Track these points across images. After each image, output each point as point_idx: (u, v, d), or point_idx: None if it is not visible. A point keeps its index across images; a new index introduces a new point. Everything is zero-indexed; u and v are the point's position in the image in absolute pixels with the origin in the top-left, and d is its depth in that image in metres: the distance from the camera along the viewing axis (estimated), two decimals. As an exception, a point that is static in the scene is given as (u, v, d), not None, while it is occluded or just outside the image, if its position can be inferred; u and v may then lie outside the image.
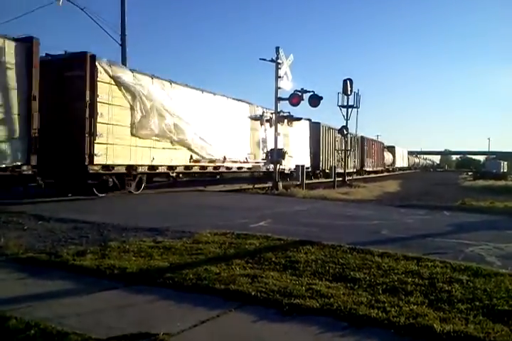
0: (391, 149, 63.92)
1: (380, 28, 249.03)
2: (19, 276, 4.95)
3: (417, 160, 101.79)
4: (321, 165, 31.90)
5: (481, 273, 5.22)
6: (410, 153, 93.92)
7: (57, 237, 7.04)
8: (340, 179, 26.78)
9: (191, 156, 17.66)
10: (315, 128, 30.88)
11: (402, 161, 73.46)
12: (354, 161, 38.25)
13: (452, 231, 8.97)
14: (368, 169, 45.51)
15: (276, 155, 21.33)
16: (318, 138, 31.36)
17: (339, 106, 26.61)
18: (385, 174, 53.38)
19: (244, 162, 22.16)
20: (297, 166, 23.38)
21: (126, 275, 4.91)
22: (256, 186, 21.78)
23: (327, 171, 32.31)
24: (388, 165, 60.36)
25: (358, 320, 3.71)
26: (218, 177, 22.83)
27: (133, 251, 6.04)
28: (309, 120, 29.07)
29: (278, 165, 21.37)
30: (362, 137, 42.98)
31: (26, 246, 6.24)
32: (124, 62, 22.23)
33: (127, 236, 7.21)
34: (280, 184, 20.57)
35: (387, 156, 58.57)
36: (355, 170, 37.46)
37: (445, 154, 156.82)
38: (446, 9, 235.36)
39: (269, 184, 21.38)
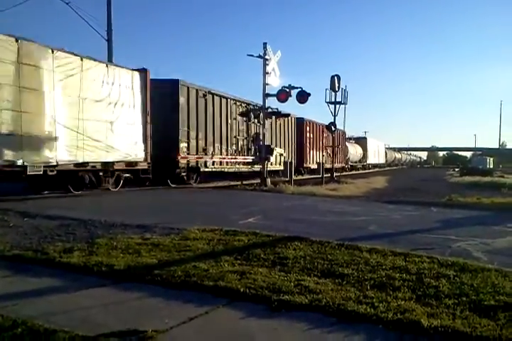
0: (361, 142, 53.16)
1: (370, 25, 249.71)
2: (5, 274, 4.89)
3: (399, 155, 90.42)
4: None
5: (468, 268, 5.28)
6: (392, 148, 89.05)
7: (43, 234, 6.96)
8: (328, 175, 26.85)
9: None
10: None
11: (376, 156, 60.66)
12: (282, 155, 26.39)
13: (439, 227, 9.05)
14: (311, 166, 32.82)
15: (264, 151, 21.34)
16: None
17: (327, 102, 26.58)
18: (347, 173, 39.01)
19: (232, 158, 22.15)
20: (285, 162, 23.40)
21: (114, 272, 4.88)
22: (244, 182, 21.76)
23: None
24: (355, 162, 49.61)
25: (346, 316, 3.72)
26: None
27: (121, 248, 6.00)
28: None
29: (266, 162, 21.38)
30: (301, 120, 31.71)
31: (12, 244, 6.17)
32: (110, 58, 22.02)
33: (115, 232, 7.16)
34: (268, 180, 20.58)
35: (354, 150, 47.50)
36: (281, 168, 24.81)
37: (432, 150, 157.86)
38: (435, 7, 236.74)
39: (258, 180, 21.38)
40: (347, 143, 44.21)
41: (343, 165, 40.88)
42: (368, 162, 55.67)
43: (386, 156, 70.49)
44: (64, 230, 7.34)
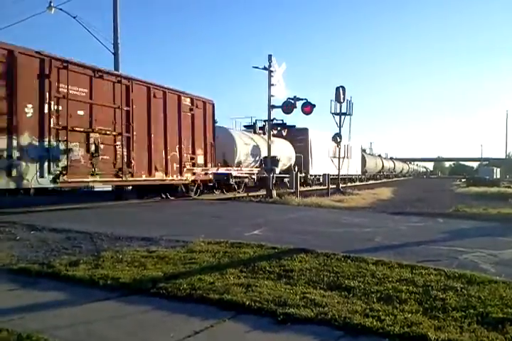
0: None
1: (374, 35, 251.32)
2: (11, 287, 4.90)
3: (388, 164, 68.44)
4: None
5: (475, 280, 5.23)
6: (399, 159, 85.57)
7: (49, 247, 6.98)
8: (334, 186, 26.81)
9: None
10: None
11: (329, 163, 31.68)
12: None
13: (446, 239, 8.99)
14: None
15: (270, 163, 21.37)
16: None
17: (332, 113, 26.69)
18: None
19: (237, 170, 22.19)
20: (291, 174, 23.42)
21: (119, 285, 4.88)
22: (250, 194, 21.76)
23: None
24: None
25: (352, 329, 3.69)
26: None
27: (126, 260, 6.00)
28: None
29: (272, 173, 21.39)
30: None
31: (18, 257, 6.19)
32: (116, 70, 22.21)
33: (121, 245, 7.16)
34: (274, 192, 20.57)
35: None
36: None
37: (438, 161, 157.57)
38: (441, 15, 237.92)
39: (264, 192, 21.38)
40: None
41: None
42: (312, 173, 32.44)
43: (366, 164, 49.36)
44: (70, 243, 7.36)
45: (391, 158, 77.35)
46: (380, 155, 69.30)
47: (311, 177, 32.35)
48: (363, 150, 43.45)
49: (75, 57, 12.83)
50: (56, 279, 5.17)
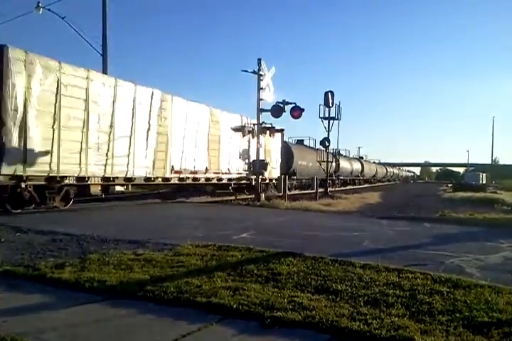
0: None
1: (362, 40, 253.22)
2: (-5, 290, 4.83)
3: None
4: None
5: (461, 284, 5.26)
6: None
7: (35, 250, 6.90)
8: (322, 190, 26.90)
9: (172, 167, 17.71)
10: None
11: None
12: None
13: (432, 243, 9.04)
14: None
15: (258, 166, 21.37)
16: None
17: (321, 117, 26.86)
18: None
19: (226, 173, 22.15)
20: (279, 177, 23.44)
21: (105, 288, 4.83)
22: (238, 197, 21.74)
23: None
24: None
25: (340, 333, 3.70)
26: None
27: (113, 263, 5.95)
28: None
29: (260, 177, 21.39)
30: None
31: (3, 259, 6.11)
32: (104, 72, 22.13)
33: (107, 248, 7.11)
34: (262, 195, 20.57)
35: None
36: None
37: (425, 166, 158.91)
38: (429, 22, 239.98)
39: (252, 195, 21.36)
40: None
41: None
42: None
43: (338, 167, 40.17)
44: (56, 245, 7.29)
45: (374, 163, 75.56)
46: (361, 158, 66.46)
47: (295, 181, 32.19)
48: (338, 154, 40.11)
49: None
50: (41, 282, 5.12)
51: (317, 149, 35.18)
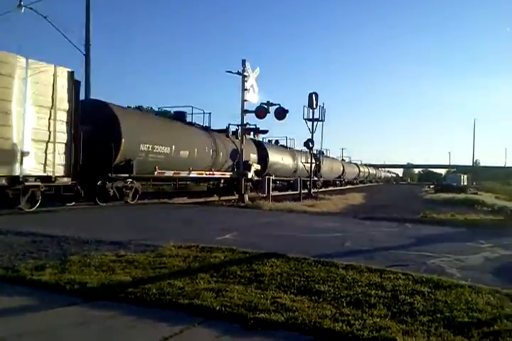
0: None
1: (346, 42, 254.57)
2: (-27, 292, 4.74)
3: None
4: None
5: (442, 284, 5.32)
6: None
7: (14, 251, 6.79)
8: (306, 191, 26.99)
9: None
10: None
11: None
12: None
13: (414, 244, 9.13)
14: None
15: (242, 167, 21.38)
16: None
17: (305, 119, 26.97)
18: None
19: (209, 174, 22.12)
20: (263, 178, 23.46)
21: (86, 290, 4.77)
22: (222, 198, 21.71)
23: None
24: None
25: (322, 334, 3.70)
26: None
27: (94, 265, 5.88)
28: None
29: (244, 177, 21.39)
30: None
31: (-19, 261, 6.00)
32: (87, 72, 21.94)
33: (89, 249, 7.02)
34: (246, 196, 20.58)
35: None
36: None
37: (408, 167, 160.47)
38: (412, 22, 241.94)
39: (235, 196, 21.35)
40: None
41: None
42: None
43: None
44: (36, 247, 7.18)
45: (356, 164, 75.60)
46: (343, 160, 66.84)
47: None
48: (322, 154, 39.68)
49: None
50: (21, 284, 5.02)
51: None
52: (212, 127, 24.07)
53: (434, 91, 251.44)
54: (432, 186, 61.01)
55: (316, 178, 35.48)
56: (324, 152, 45.09)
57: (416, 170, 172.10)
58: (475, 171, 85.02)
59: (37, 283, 5.02)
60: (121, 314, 4.16)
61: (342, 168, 56.68)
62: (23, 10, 20.78)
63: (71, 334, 3.67)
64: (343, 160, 66.19)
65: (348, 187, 57.36)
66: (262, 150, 29.35)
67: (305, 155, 31.03)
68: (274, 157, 31.46)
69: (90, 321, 3.97)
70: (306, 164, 29.66)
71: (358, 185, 69.75)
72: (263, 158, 28.83)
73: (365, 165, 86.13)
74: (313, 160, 30.41)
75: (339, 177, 55.75)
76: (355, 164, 74.93)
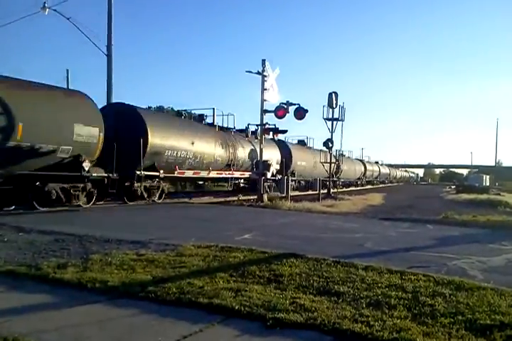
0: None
1: (368, 42, 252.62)
2: (-3, 290, 4.84)
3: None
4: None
5: (464, 286, 5.26)
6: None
7: (37, 249, 6.92)
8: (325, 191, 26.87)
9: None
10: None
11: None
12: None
13: (435, 245, 9.03)
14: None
15: (261, 167, 21.38)
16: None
17: (324, 119, 26.84)
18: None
19: (229, 174, 22.19)
20: (282, 177, 23.44)
21: (108, 288, 4.84)
22: (241, 198, 21.74)
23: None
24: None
25: (342, 334, 3.69)
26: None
27: (115, 264, 5.96)
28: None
29: (263, 177, 21.38)
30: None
31: (6, 259, 6.13)
32: (109, 72, 22.21)
33: (110, 248, 7.11)
34: (265, 196, 20.57)
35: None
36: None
37: (429, 167, 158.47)
38: (437, 24, 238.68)
39: (255, 196, 21.37)
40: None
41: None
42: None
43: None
44: (58, 245, 7.30)
45: (376, 163, 74.86)
46: (364, 159, 66.30)
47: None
48: (342, 155, 39.28)
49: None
50: (44, 282, 5.12)
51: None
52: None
53: (457, 90, 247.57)
54: (453, 186, 60.12)
55: (335, 178, 35.30)
56: (346, 153, 44.70)
57: (437, 171, 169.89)
58: (497, 171, 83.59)
59: (59, 281, 5.11)
60: (141, 312, 4.20)
61: (363, 169, 56.14)
62: (47, 12, 21.16)
63: (92, 331, 3.72)
64: (362, 160, 65.51)
65: (368, 187, 56.88)
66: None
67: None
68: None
69: (111, 319, 4.02)
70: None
71: (378, 185, 69.11)
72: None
73: (385, 165, 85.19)
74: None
75: (359, 178, 55.24)
76: (376, 163, 74.17)
